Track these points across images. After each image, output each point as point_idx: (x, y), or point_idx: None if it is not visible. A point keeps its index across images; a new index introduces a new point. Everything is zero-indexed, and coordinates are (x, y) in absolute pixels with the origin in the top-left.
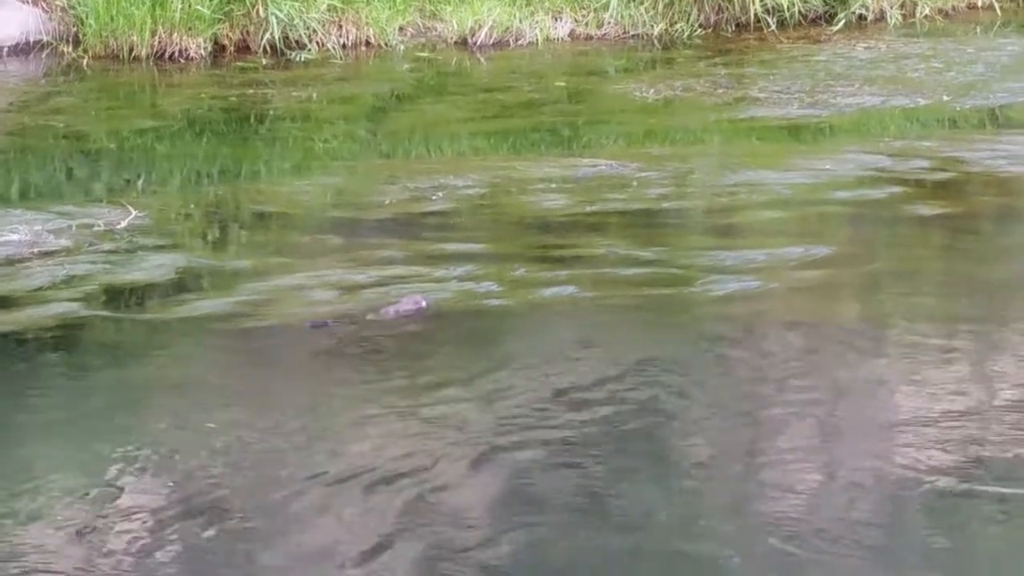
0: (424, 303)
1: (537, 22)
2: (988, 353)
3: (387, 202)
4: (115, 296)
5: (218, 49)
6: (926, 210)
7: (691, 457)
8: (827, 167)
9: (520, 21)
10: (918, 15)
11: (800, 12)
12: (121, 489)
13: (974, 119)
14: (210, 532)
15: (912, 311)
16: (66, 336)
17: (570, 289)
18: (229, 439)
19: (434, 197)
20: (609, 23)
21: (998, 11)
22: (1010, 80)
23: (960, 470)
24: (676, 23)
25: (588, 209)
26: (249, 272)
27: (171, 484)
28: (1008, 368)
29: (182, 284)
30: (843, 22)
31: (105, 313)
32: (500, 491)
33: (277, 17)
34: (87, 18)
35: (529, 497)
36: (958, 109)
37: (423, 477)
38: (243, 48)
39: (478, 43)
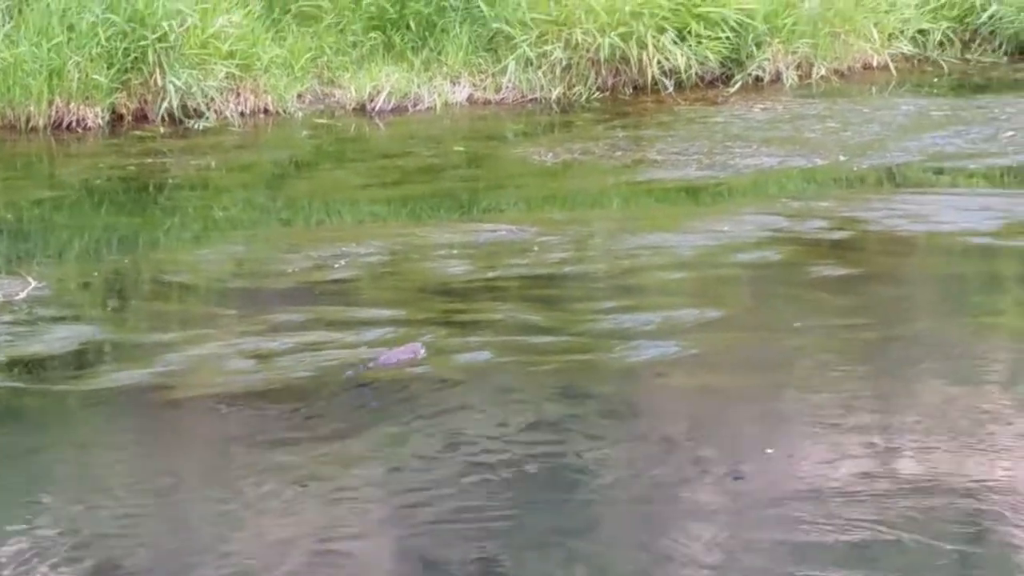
0: (423, 351)
1: (435, 87)
2: (888, 417)
3: (290, 270)
4: (18, 368)
5: (116, 118)
6: (825, 271)
7: (595, 526)
8: (726, 229)
9: (418, 86)
10: (814, 76)
11: (697, 74)
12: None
13: (871, 179)
14: None
15: (810, 374)
16: None
17: (484, 355)
18: (131, 512)
19: (336, 265)
20: (507, 87)
21: (893, 71)
22: (906, 139)
23: (856, 544)
24: (574, 86)
25: (491, 275)
26: (158, 344)
27: (70, 558)
28: (910, 433)
29: (88, 356)
30: (740, 84)
31: (9, 384)
32: (398, 562)
33: (175, 85)
34: None
35: (430, 564)
36: (855, 169)
37: (321, 548)
38: (141, 117)
39: (376, 109)
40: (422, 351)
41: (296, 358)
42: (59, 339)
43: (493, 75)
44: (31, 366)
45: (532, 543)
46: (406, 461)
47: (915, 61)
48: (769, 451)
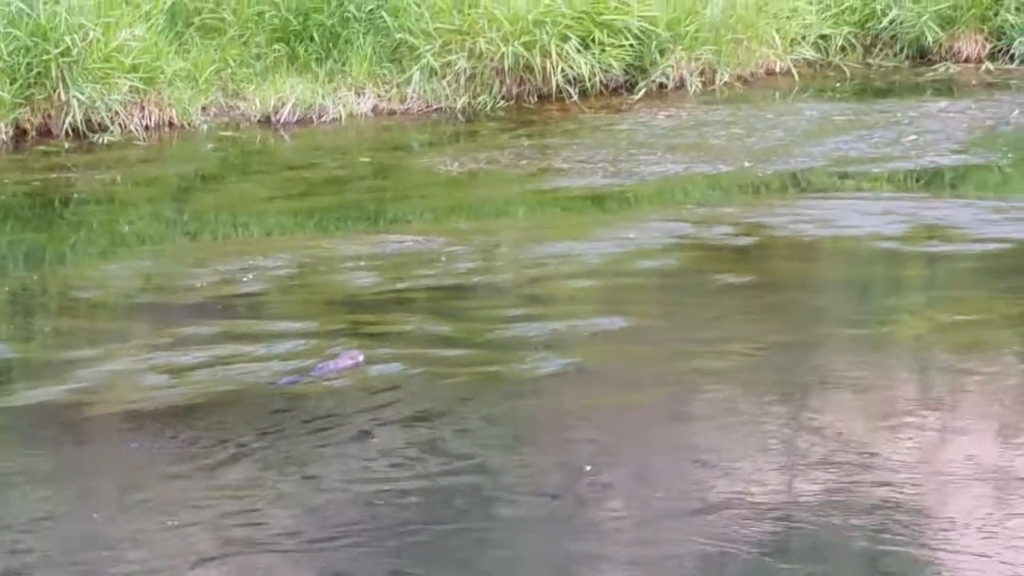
0: (361, 358)
1: (340, 98)
2: (797, 423)
3: (198, 285)
4: None
5: (19, 133)
6: (730, 276)
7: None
8: (632, 236)
9: (323, 97)
10: (718, 82)
11: (601, 82)
12: None
13: (775, 184)
14: None
15: (716, 379)
16: None
17: (395, 367)
18: (42, 531)
19: (245, 279)
20: (412, 97)
21: (796, 77)
22: (810, 144)
23: (770, 546)
24: (479, 96)
25: (399, 286)
26: (69, 360)
27: None
28: (820, 436)
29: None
30: (644, 91)
31: None
32: None
33: (79, 100)
34: None
35: None
36: (759, 175)
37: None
38: (45, 132)
39: (281, 120)
40: (361, 358)
41: (209, 372)
42: None
43: (398, 85)
44: None
45: (440, 559)
46: (312, 476)
47: (817, 66)
48: (671, 459)
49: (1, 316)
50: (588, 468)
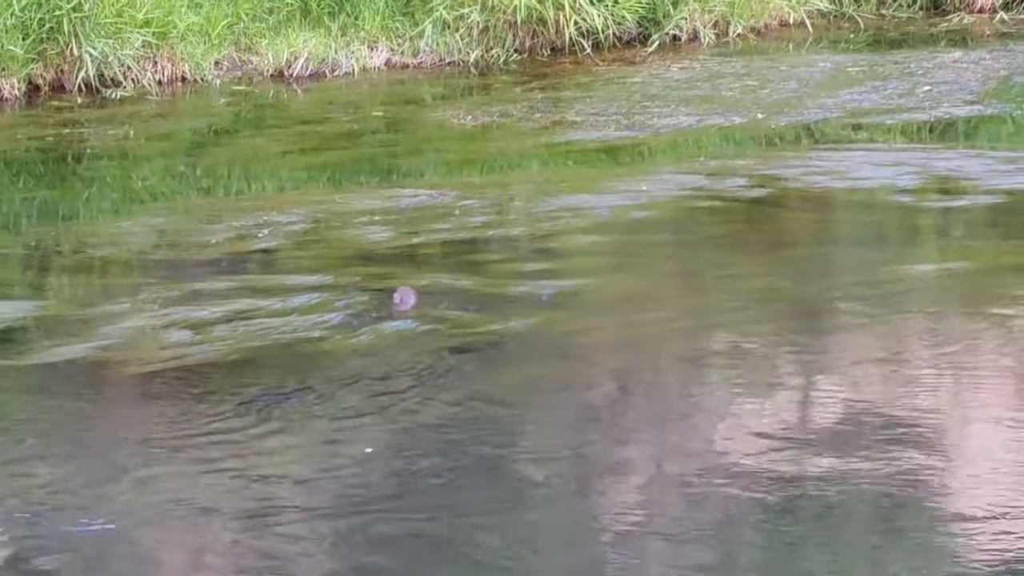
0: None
1: (353, 52)
2: (812, 381)
3: (213, 241)
4: None
5: (32, 89)
6: (743, 228)
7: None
8: (645, 188)
9: (336, 52)
10: (731, 34)
11: (615, 34)
12: None
13: (789, 136)
14: None
15: (729, 333)
16: None
17: (409, 324)
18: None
19: (260, 234)
20: (425, 51)
21: (809, 28)
22: (823, 96)
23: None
24: (492, 49)
25: (414, 241)
26: (88, 318)
27: None
28: (835, 389)
29: (25, 331)
30: (657, 43)
31: None
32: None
33: (91, 55)
34: None
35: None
36: (773, 127)
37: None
38: (58, 87)
39: (294, 75)
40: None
41: (229, 327)
42: None
43: (410, 39)
44: None
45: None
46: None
47: (831, 17)
48: (688, 413)
49: (17, 273)
50: (606, 422)
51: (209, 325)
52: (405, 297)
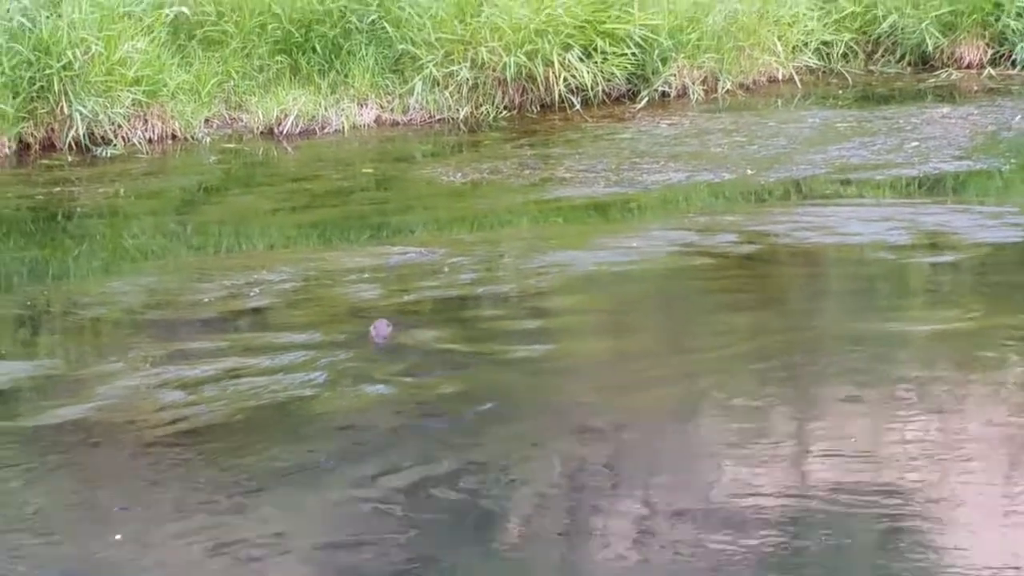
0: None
1: (343, 109)
2: (802, 431)
3: (205, 300)
4: None
5: (23, 148)
6: (733, 284)
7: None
8: (635, 245)
9: (325, 109)
10: (720, 90)
11: (604, 91)
12: None
13: (778, 192)
14: None
15: (720, 389)
16: None
17: (387, 389)
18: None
19: (251, 293)
20: (415, 108)
21: (798, 84)
22: (812, 152)
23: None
24: (481, 106)
25: (404, 298)
26: (84, 378)
27: None
28: (826, 444)
29: (22, 392)
30: (646, 99)
31: None
32: None
33: (81, 113)
34: None
35: None
36: (762, 183)
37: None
38: (48, 146)
39: (284, 132)
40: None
41: (221, 386)
42: None
43: (400, 96)
44: None
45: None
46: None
47: (820, 73)
48: (677, 472)
49: (8, 333)
50: (600, 483)
51: (201, 384)
52: (380, 328)
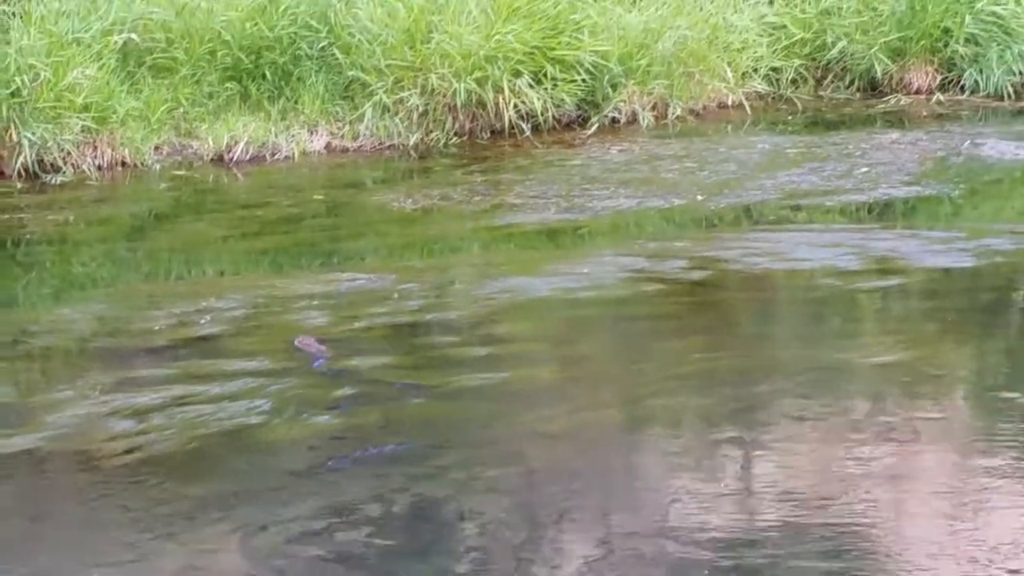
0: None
1: (293, 136)
2: (751, 457)
3: (155, 328)
4: None
5: None
6: (683, 310)
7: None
8: (585, 271)
9: (276, 135)
10: (670, 116)
11: (554, 117)
12: None
13: (728, 217)
14: None
15: (669, 414)
16: None
17: (346, 406)
18: None
19: (201, 321)
20: (365, 135)
21: (748, 110)
22: (762, 177)
23: None
24: (432, 132)
25: (355, 325)
26: (33, 407)
27: None
28: (774, 468)
29: None
30: (597, 125)
31: None
32: None
33: (30, 140)
34: None
35: None
36: (712, 208)
37: None
38: None
39: (234, 159)
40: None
41: (169, 413)
42: None
43: (350, 123)
44: None
45: None
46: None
47: (769, 99)
48: (634, 491)
49: None
50: (551, 505)
51: (151, 412)
52: (309, 344)
